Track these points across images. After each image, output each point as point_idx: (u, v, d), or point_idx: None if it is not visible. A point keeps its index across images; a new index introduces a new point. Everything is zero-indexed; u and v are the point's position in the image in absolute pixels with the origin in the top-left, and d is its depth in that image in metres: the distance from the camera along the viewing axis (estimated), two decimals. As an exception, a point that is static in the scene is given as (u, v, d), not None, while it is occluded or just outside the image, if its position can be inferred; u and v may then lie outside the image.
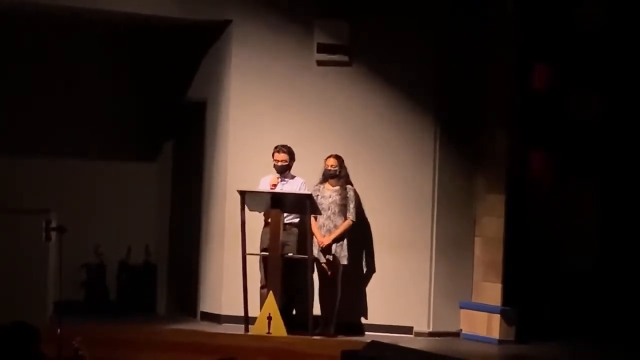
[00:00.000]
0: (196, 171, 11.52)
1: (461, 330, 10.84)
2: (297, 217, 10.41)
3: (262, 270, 10.35)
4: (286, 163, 10.38)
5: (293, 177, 10.49)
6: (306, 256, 10.10)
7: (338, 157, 10.50)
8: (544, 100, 10.93)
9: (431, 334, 10.71)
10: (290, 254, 10.24)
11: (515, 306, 10.59)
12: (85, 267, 11.77)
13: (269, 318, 9.82)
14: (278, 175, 10.37)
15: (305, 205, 10.01)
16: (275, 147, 10.40)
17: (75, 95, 11.63)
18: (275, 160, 10.38)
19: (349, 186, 10.49)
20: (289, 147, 10.40)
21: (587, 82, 10.89)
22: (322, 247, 10.36)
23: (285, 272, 10.05)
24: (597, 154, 11.00)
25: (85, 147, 11.73)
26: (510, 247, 10.69)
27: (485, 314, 10.59)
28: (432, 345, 10.10)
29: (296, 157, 10.50)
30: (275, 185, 10.27)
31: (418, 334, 10.70)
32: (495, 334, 10.52)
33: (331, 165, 10.48)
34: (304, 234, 10.28)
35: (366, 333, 10.60)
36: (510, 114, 10.76)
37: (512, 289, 10.66)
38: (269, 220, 10.17)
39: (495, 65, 10.79)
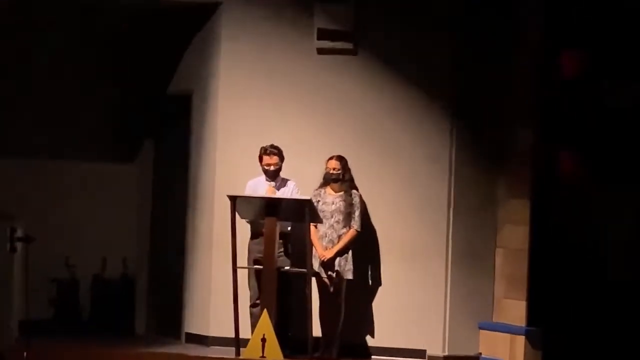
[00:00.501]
0: (180, 173, 11.34)
1: (480, 354, 10.64)
2: (289, 225, 10.15)
3: (252, 286, 10.12)
4: (278, 166, 10.16)
5: (284, 180, 10.25)
6: (304, 270, 9.77)
7: (341, 159, 10.22)
8: (574, 92, 10.62)
9: (446, 358, 10.53)
10: (287, 267, 9.95)
11: (541, 327, 10.35)
12: (54, 281, 11.64)
13: (263, 340, 9.42)
14: (273, 183, 10.15)
15: (304, 212, 9.62)
16: (264, 149, 10.17)
17: (42, 88, 11.28)
18: (266, 164, 10.15)
19: (354, 191, 10.24)
20: (279, 148, 10.18)
21: (625, 69, 10.49)
22: (323, 261, 10.08)
23: (280, 287, 9.74)
24: (637, 152, 10.58)
25: (55, 145, 11.49)
26: (536, 259, 10.46)
27: (508, 335, 10.40)
28: (448, 370, 10.05)
29: (294, 157, 10.30)
30: (272, 195, 10.29)
31: (432, 358, 10.52)
32: (520, 359, 10.30)
33: (333, 168, 10.17)
34: (297, 245, 10.04)
35: (373, 357, 10.51)
36: (535, 108, 10.55)
37: (538, 307, 10.44)
38: (263, 229, 9.82)
39: (520, 51, 10.54)
